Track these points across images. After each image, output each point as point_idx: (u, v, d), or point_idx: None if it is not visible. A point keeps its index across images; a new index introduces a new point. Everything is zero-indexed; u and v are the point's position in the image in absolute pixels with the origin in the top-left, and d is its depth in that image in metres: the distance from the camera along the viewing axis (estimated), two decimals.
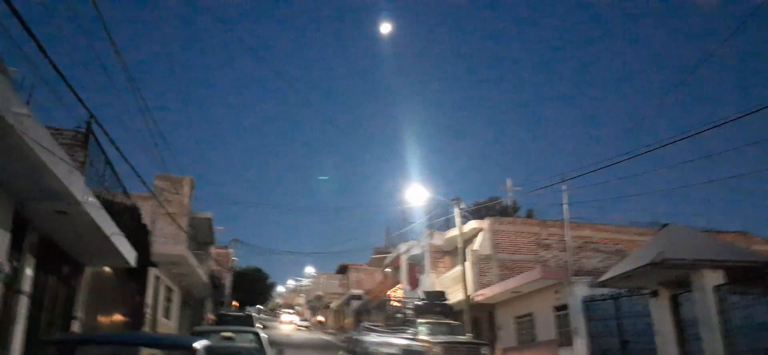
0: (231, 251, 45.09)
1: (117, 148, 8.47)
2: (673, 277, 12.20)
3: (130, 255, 10.58)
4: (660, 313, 13.06)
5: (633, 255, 14.04)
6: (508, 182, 26.74)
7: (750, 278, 11.27)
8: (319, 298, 73.45)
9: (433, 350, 17.54)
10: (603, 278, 14.17)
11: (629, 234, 25.97)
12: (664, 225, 14.41)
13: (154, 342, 6.34)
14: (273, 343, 10.50)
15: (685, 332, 12.59)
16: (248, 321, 23.22)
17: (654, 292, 13.17)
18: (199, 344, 4.89)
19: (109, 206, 9.32)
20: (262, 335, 9.91)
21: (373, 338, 18.12)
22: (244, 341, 10.23)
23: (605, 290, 16.16)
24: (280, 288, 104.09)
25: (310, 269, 79.99)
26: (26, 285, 7.96)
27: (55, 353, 5.04)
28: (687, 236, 12.62)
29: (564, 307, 18.47)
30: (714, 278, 11.29)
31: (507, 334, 22.72)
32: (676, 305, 12.87)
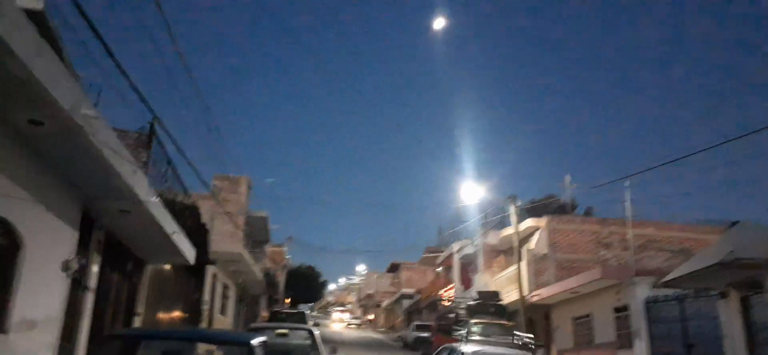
0: (285, 249, 45.88)
1: (178, 149, 8.71)
2: (744, 277, 11.56)
3: (190, 253, 10.85)
4: (729, 315, 12.42)
5: (700, 254, 13.41)
6: (567, 179, 26.02)
7: None
8: (370, 296, 73.85)
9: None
10: (667, 277, 13.59)
11: (696, 232, 24.83)
12: (735, 223, 13.71)
13: (213, 339, 6.44)
14: (326, 341, 10.55)
15: (757, 336, 11.93)
16: (302, 319, 23.51)
17: (723, 293, 12.53)
18: (255, 341, 4.93)
19: (171, 205, 9.58)
20: (316, 332, 9.96)
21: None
22: (299, 339, 10.32)
23: (669, 291, 15.50)
24: (331, 286, 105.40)
25: (361, 268, 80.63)
26: (92, 281, 8.27)
27: (119, 348, 5.18)
28: (760, 234, 11.93)
29: (625, 308, 17.82)
30: None
31: (563, 335, 22.14)
32: (746, 307, 12.21)
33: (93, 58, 6.65)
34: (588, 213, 33.19)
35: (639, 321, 16.85)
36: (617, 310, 18.37)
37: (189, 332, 8.54)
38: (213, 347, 6.46)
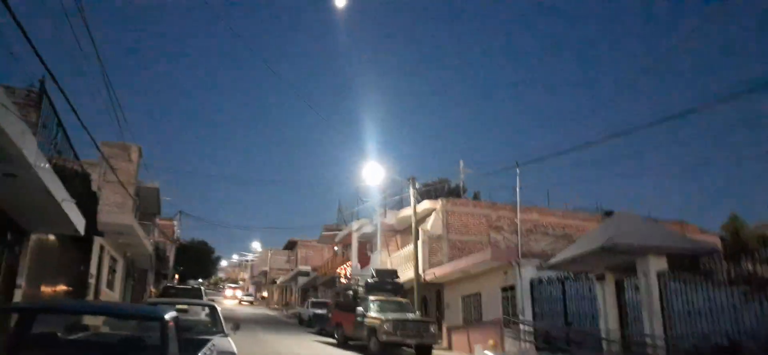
0: (176, 222, 44.05)
1: (74, 110, 8.03)
2: (620, 262, 12.71)
3: (80, 223, 10.14)
4: (605, 296, 13.60)
5: (582, 240, 14.51)
6: (461, 164, 27.13)
7: (690, 266, 11.88)
8: (264, 274, 72.80)
9: (384, 327, 17.72)
10: (553, 261, 14.61)
11: (575, 219, 26.88)
12: (609, 213, 14.94)
13: (121, 313, 6.10)
14: (228, 318, 10.30)
15: (628, 316, 13.20)
16: (198, 294, 22.76)
17: (601, 276, 13.69)
18: (168, 316, 4.73)
19: (60, 171, 8.87)
20: (218, 308, 9.71)
21: None
22: (199, 315, 10.01)
23: (552, 273, 16.69)
24: (224, 262, 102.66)
25: (256, 245, 79.00)
26: None
27: (14, 323, 4.76)
28: (634, 223, 13.13)
29: (511, 288, 18.96)
30: (658, 264, 11.83)
31: (454, 313, 23.19)
32: (620, 289, 13.44)
33: None
34: (476, 197, 34.83)
35: (524, 300, 18.01)
36: (504, 289, 19.51)
37: (94, 305, 7.99)
38: (121, 321, 6.10)
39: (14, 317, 5.01)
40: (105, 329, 7.70)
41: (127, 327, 5.84)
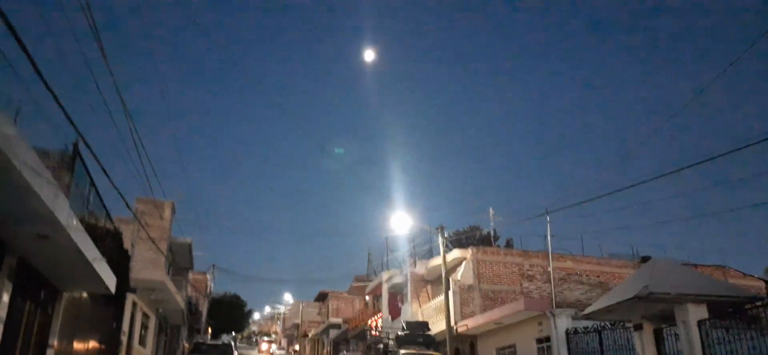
0: (209, 276, 44.41)
1: (105, 171, 8.28)
2: (657, 311, 12.26)
3: (111, 281, 10.30)
4: (644, 347, 13.08)
5: (617, 288, 14.10)
6: (491, 212, 26.86)
7: (731, 313, 11.38)
8: (296, 326, 72.34)
9: None
10: (587, 310, 14.20)
11: (610, 266, 26.17)
12: (646, 258, 14.51)
13: None
14: None
15: None
16: (227, 351, 22.71)
17: (638, 325, 13.21)
18: None
19: (92, 230, 9.08)
20: None
21: None
22: None
23: (588, 323, 16.18)
24: (256, 315, 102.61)
25: (288, 297, 78.87)
26: (2, 311, 7.67)
27: None
28: (670, 269, 12.72)
29: (547, 339, 18.41)
30: (698, 312, 11.37)
31: None
32: (659, 338, 12.92)
33: (15, 73, 6.29)
34: (508, 245, 34.32)
35: (560, 352, 17.44)
36: (539, 341, 18.95)
37: None
38: None
39: None
40: None
41: None
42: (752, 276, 25.22)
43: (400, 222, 26.20)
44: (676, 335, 12.04)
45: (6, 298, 7.76)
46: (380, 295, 35.44)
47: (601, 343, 16.00)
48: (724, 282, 16.21)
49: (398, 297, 32.42)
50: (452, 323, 22.42)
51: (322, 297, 61.69)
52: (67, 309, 10.79)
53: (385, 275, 34.20)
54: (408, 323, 22.95)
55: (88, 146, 7.39)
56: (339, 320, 50.67)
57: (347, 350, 38.80)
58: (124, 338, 16.66)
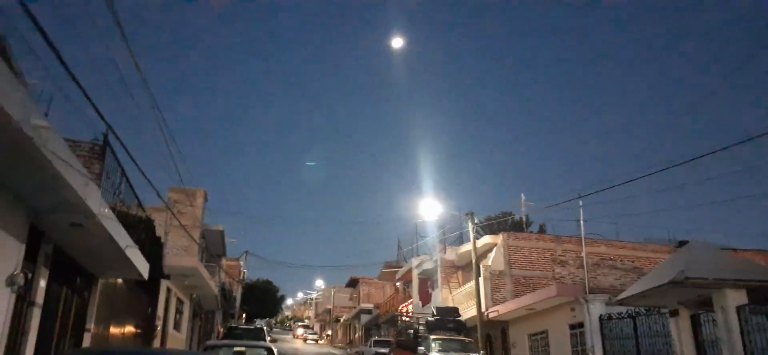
0: (242, 263, 45.06)
1: (133, 161, 8.42)
2: (694, 296, 11.94)
3: (144, 267, 10.50)
4: (680, 333, 12.78)
5: (652, 273, 13.78)
6: (522, 198, 26.52)
7: None
8: (328, 311, 73.15)
9: None
10: (622, 296, 13.92)
11: (646, 251, 25.63)
12: (684, 242, 14.13)
13: None
14: None
15: (706, 353, 12.31)
16: (259, 334, 23.04)
17: (674, 311, 12.90)
18: None
19: (124, 218, 9.26)
20: (275, 350, 9.76)
21: None
22: None
23: (622, 309, 15.88)
24: (289, 301, 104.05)
25: (320, 283, 79.72)
26: (39, 297, 7.89)
27: None
28: (708, 254, 12.36)
29: (580, 325, 18.17)
30: (737, 297, 11.03)
31: (520, 351, 22.40)
32: (696, 324, 12.59)
33: (45, 66, 6.41)
34: (542, 230, 33.87)
35: (594, 338, 17.20)
36: (572, 326, 18.71)
37: (143, 352, 8.21)
38: None
39: None
40: None
41: None
42: None
43: (430, 208, 26.16)
44: (714, 320, 11.71)
45: (43, 284, 7.97)
46: (410, 281, 35.49)
47: (635, 329, 15.71)
48: (765, 267, 15.68)
49: (428, 283, 32.40)
50: (483, 308, 22.29)
51: (353, 283, 62.18)
52: (103, 295, 11.05)
53: (415, 262, 34.21)
54: (438, 309, 22.92)
55: (117, 137, 7.52)
56: (370, 306, 51.02)
57: (378, 335, 39.04)
58: (159, 323, 17.02)
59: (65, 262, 8.82)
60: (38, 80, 8.04)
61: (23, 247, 6.96)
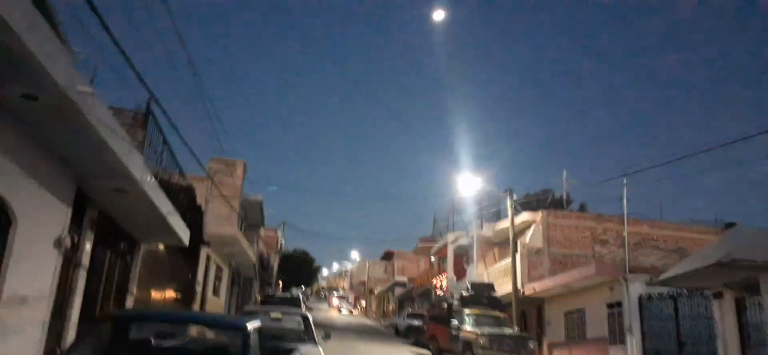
0: (279, 233, 45.84)
1: (176, 129, 8.56)
2: (740, 279, 11.57)
3: (185, 234, 10.75)
4: (723, 316, 12.44)
5: (696, 254, 13.39)
6: (564, 174, 26.04)
7: None
8: (362, 283, 73.95)
9: (480, 341, 17.28)
10: (664, 276, 13.59)
11: (690, 232, 24.92)
12: (731, 224, 13.67)
13: (207, 322, 6.35)
14: (319, 326, 10.48)
15: (750, 338, 11.96)
16: (296, 303, 23.46)
17: (718, 293, 12.54)
18: (250, 325, 4.87)
19: (166, 186, 9.45)
20: (310, 318, 9.88)
21: None
22: (293, 323, 10.25)
23: (663, 289, 15.52)
24: (325, 271, 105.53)
25: (355, 254, 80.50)
26: (85, 259, 8.17)
27: (111, 329, 5.09)
28: (756, 236, 11.93)
29: (618, 304, 17.86)
30: None
31: (555, 329, 22.21)
32: (741, 308, 12.22)
33: (91, 35, 6.52)
34: (582, 208, 33.25)
35: (632, 318, 16.89)
36: (610, 306, 18.40)
37: (182, 314, 8.45)
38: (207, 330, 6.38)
39: (112, 324, 5.35)
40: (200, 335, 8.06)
41: (216, 335, 6.07)
42: None
43: (468, 184, 25.92)
44: (760, 304, 11.34)
45: (88, 247, 8.24)
46: (445, 256, 35.46)
47: (676, 310, 15.37)
48: None
49: (463, 259, 32.32)
50: (519, 285, 22.12)
51: (388, 256, 62.61)
52: (146, 260, 11.39)
53: (450, 237, 34.13)
54: (473, 284, 22.84)
55: (159, 105, 7.65)
56: (404, 279, 51.32)
57: (412, 309, 39.28)
58: (198, 288, 17.50)
59: (110, 227, 9.09)
60: (85, 48, 8.20)
61: (70, 211, 7.19)
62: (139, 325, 5.20)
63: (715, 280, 12.05)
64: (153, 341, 5.28)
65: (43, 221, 6.58)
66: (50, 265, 6.94)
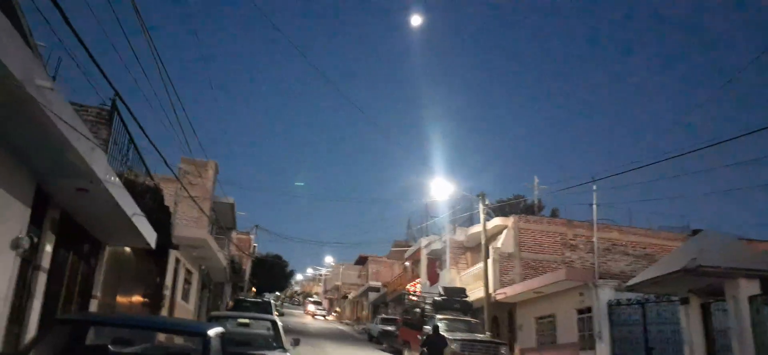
0: (252, 237, 45.31)
1: (141, 128, 8.34)
2: (706, 285, 11.73)
3: (151, 236, 10.49)
4: (690, 321, 12.59)
5: (664, 260, 13.57)
6: (535, 180, 26.29)
7: None
8: (337, 288, 73.60)
9: (452, 347, 17.28)
10: (632, 282, 13.74)
11: (659, 238, 25.37)
12: (697, 231, 13.90)
13: (168, 327, 6.18)
14: (288, 331, 10.34)
15: (716, 343, 12.16)
16: (266, 308, 23.18)
17: (684, 299, 12.70)
18: (212, 331, 4.72)
19: (132, 186, 9.22)
20: (279, 323, 9.73)
21: None
22: (261, 328, 10.09)
23: (632, 295, 15.73)
24: (298, 276, 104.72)
25: (329, 259, 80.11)
26: (45, 261, 7.88)
27: (67, 333, 4.89)
28: (722, 242, 12.11)
29: (588, 310, 18.05)
30: (749, 287, 10.81)
31: (527, 334, 22.35)
32: (707, 314, 12.41)
33: (52, 28, 6.32)
34: (554, 214, 33.62)
35: (602, 323, 17.08)
36: (580, 311, 18.59)
37: (142, 319, 8.21)
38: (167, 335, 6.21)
39: (68, 328, 5.15)
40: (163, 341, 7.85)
41: (178, 340, 5.90)
42: None
43: (441, 188, 26.00)
44: (725, 310, 11.52)
45: (49, 249, 7.96)
46: (419, 260, 35.51)
47: (644, 316, 15.58)
48: None
49: (437, 263, 32.39)
50: (491, 290, 22.23)
51: (361, 261, 62.44)
52: (111, 263, 11.08)
53: (424, 241, 34.18)
54: (445, 289, 22.89)
55: (124, 103, 7.44)
56: (378, 284, 51.23)
57: (386, 314, 39.21)
58: (167, 293, 17.12)
59: (72, 228, 8.81)
60: (49, 43, 7.96)
61: (29, 211, 6.93)
62: (97, 330, 5.00)
63: (682, 286, 12.21)
64: (111, 348, 5.10)
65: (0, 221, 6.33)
66: (7, 267, 6.68)
